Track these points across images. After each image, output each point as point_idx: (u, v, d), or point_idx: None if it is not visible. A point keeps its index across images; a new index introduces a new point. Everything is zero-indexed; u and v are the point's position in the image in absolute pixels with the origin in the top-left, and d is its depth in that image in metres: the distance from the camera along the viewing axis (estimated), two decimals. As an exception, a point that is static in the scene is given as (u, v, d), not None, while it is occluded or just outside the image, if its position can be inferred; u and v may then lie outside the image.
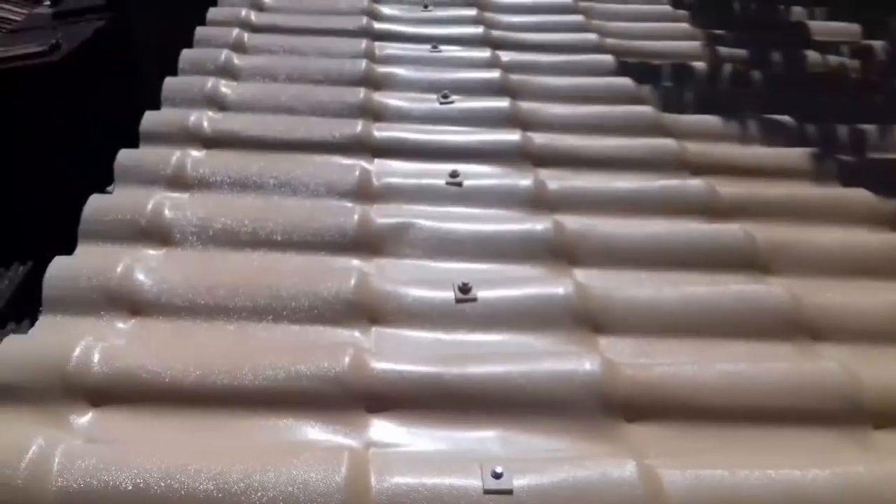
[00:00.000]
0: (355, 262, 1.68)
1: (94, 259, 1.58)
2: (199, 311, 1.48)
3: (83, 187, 1.94)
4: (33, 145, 4.56)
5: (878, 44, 3.05)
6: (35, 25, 5.09)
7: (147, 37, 4.65)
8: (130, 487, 1.07)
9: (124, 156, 1.91)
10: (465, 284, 1.56)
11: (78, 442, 1.18)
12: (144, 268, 1.56)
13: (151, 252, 1.66)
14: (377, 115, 2.27)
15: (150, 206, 1.73)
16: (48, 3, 5.43)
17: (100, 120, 4.33)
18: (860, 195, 1.96)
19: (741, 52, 2.83)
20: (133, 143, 2.04)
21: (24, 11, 6.16)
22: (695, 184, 1.97)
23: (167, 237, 1.69)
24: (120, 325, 1.46)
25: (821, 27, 3.17)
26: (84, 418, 1.24)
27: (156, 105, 2.20)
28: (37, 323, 1.45)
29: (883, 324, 1.57)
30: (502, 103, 2.33)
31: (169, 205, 1.75)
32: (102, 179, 1.98)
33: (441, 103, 2.33)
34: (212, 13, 2.73)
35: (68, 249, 1.64)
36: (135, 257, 1.61)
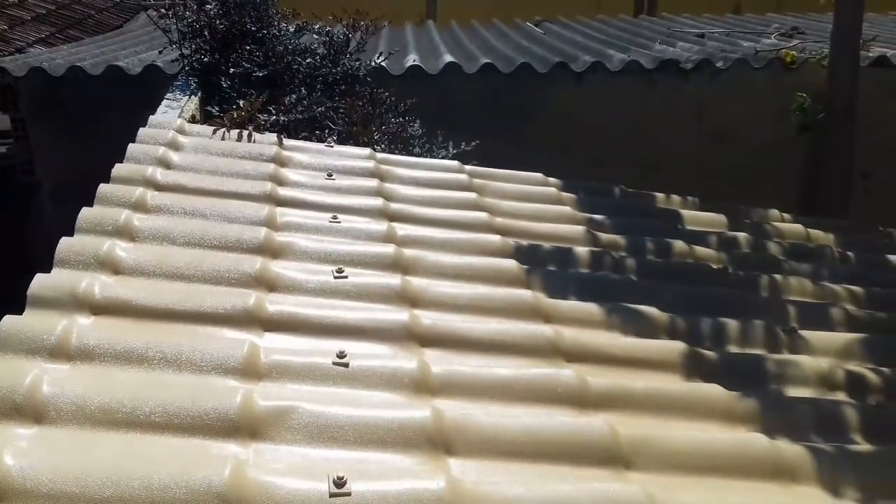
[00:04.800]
0: (233, 447, 1.68)
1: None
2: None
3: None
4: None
5: (742, 235, 3.38)
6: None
7: (49, 167, 4.64)
8: None
9: (7, 322, 1.90)
10: (340, 478, 1.59)
11: None
12: (12, 451, 1.53)
13: (22, 431, 1.62)
14: (272, 285, 2.34)
15: (27, 380, 1.71)
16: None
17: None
18: (717, 393, 2.12)
19: (619, 239, 3.07)
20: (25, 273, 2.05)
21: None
22: (567, 373, 2.10)
23: (41, 415, 1.66)
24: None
25: (692, 217, 3.49)
26: None
27: (50, 236, 2.21)
28: None
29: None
30: (394, 280, 2.44)
31: (48, 379, 1.74)
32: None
33: (335, 277, 2.42)
34: (117, 170, 2.78)
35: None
36: (4, 437, 1.58)
